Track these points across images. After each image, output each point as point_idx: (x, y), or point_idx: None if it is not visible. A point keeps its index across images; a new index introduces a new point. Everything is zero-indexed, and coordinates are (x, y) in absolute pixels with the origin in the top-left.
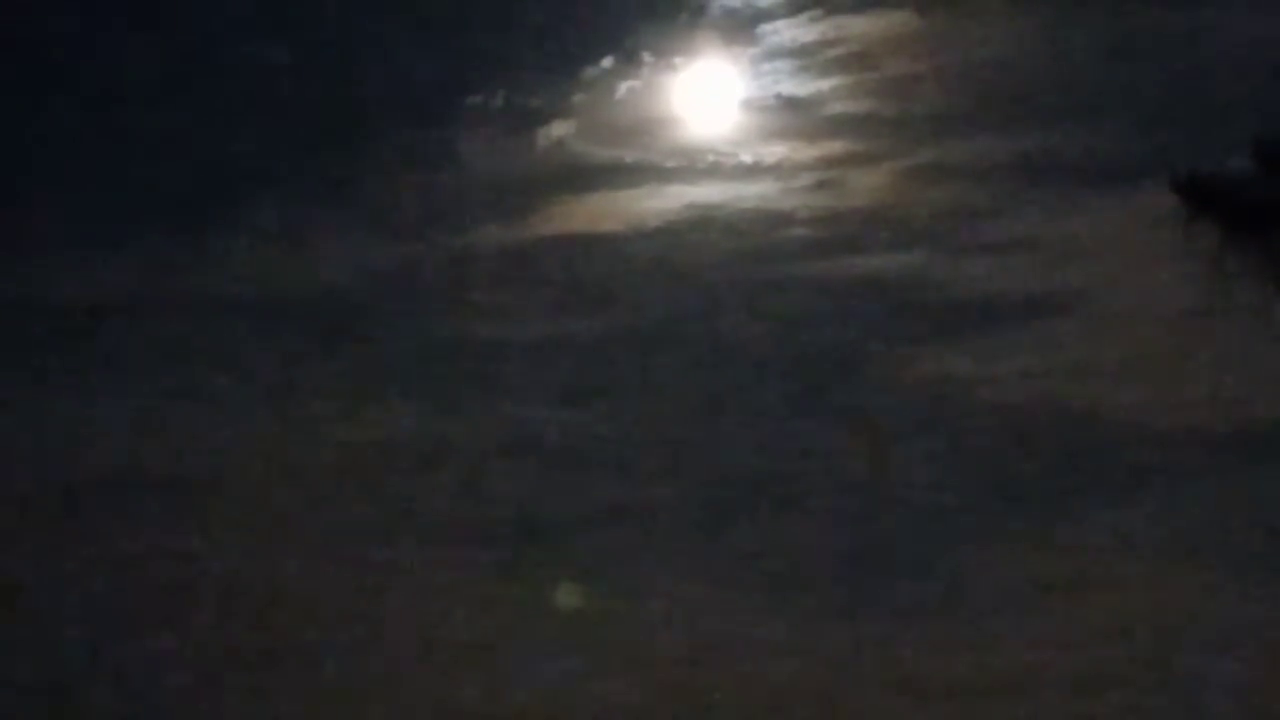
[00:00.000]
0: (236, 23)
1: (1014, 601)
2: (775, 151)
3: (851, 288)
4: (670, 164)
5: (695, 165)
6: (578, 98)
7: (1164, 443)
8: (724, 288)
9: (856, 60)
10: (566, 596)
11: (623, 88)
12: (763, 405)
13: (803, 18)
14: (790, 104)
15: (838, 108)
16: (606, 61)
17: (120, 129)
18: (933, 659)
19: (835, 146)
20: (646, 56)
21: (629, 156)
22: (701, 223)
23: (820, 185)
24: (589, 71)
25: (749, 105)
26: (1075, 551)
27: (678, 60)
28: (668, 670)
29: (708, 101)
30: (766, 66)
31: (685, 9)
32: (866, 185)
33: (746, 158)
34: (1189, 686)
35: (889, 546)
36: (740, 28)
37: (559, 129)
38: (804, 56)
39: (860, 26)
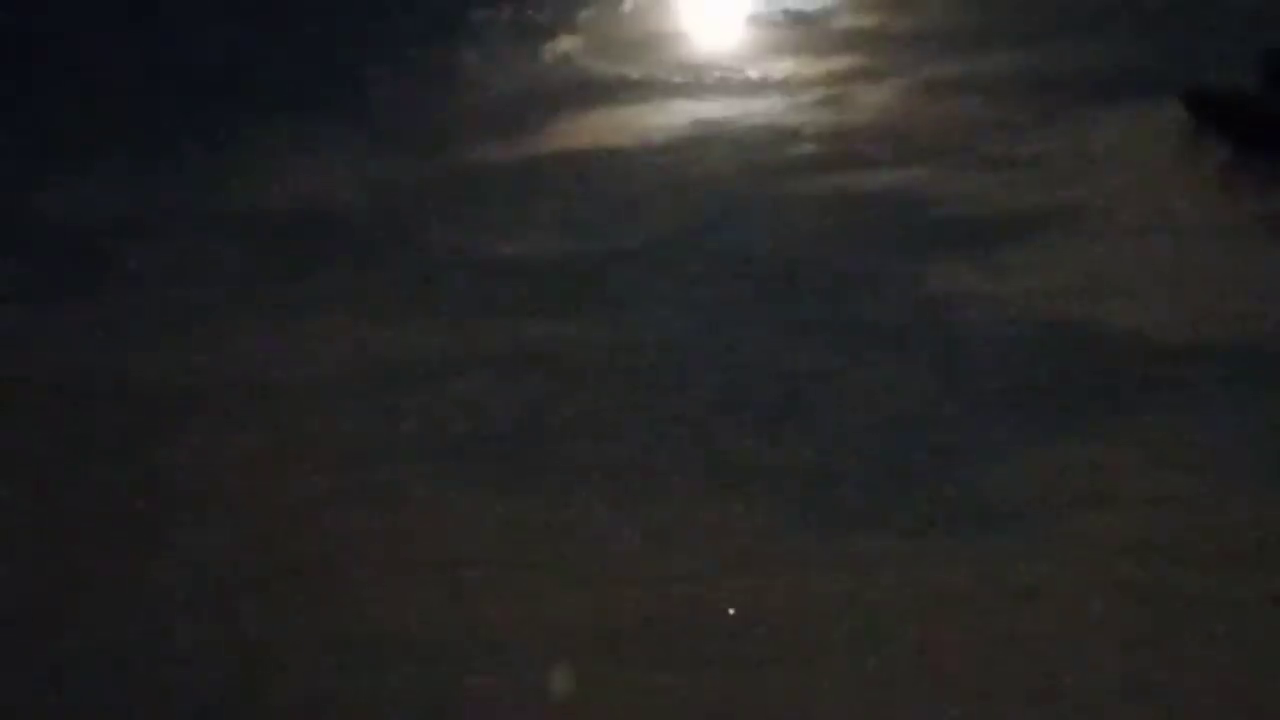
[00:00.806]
0: None
1: (1029, 517)
2: (782, 67)
3: (858, 203)
4: (677, 79)
5: (702, 81)
6: (584, 13)
7: (1173, 358)
8: (730, 203)
9: None
10: (572, 511)
11: (629, 2)
12: (770, 320)
13: None
14: (797, 19)
15: (845, 23)
16: None
17: (125, 42)
18: (951, 572)
19: (842, 62)
20: None
21: (635, 72)
22: (708, 139)
23: (827, 101)
24: None
25: (755, 20)
26: (1087, 468)
27: None
28: (679, 584)
29: (714, 17)
30: None
31: None
32: (873, 101)
33: (753, 73)
34: (1211, 603)
35: (899, 462)
36: None
37: (566, 44)
38: None
39: None
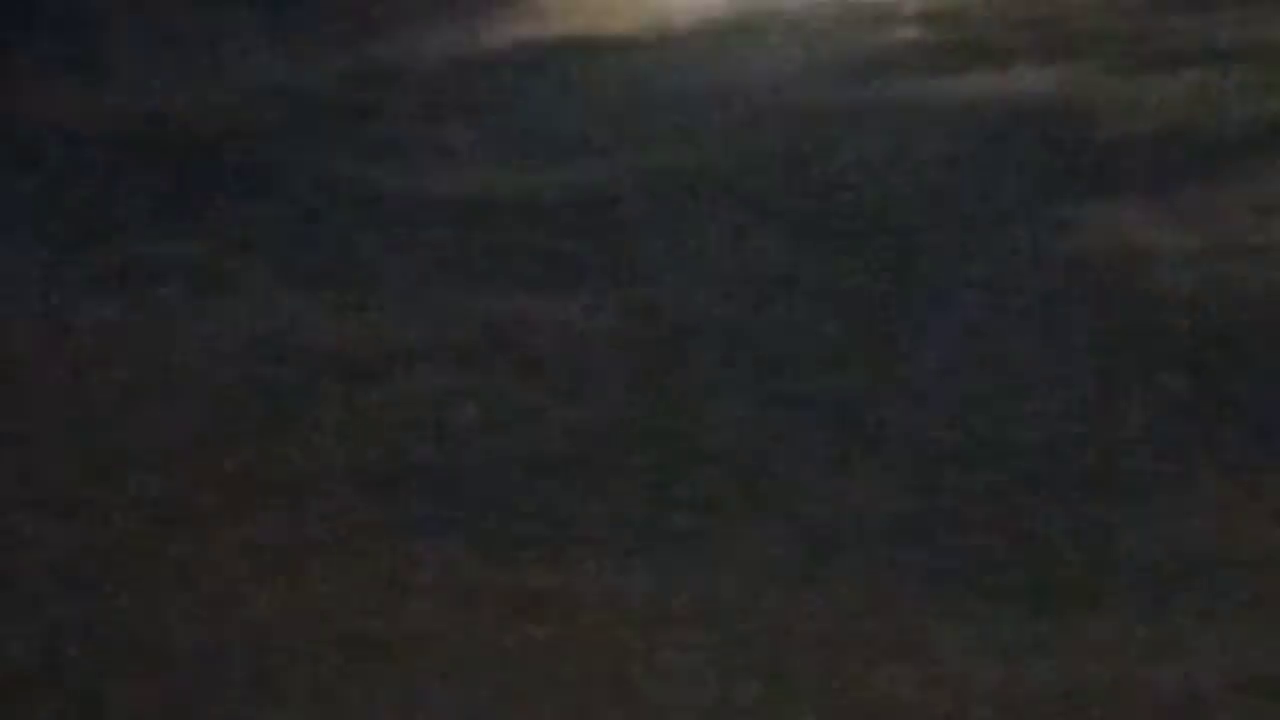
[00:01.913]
0: None
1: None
2: None
3: (978, 118)
4: None
5: None
6: None
7: None
8: (789, 119)
9: None
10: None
11: None
12: (840, 291)
13: None
14: None
15: None
16: None
17: None
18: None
19: None
20: None
21: None
22: (756, 23)
23: None
24: None
25: None
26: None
27: None
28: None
29: None
30: None
31: None
32: None
33: None
34: None
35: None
36: None
37: None
38: None
39: None
